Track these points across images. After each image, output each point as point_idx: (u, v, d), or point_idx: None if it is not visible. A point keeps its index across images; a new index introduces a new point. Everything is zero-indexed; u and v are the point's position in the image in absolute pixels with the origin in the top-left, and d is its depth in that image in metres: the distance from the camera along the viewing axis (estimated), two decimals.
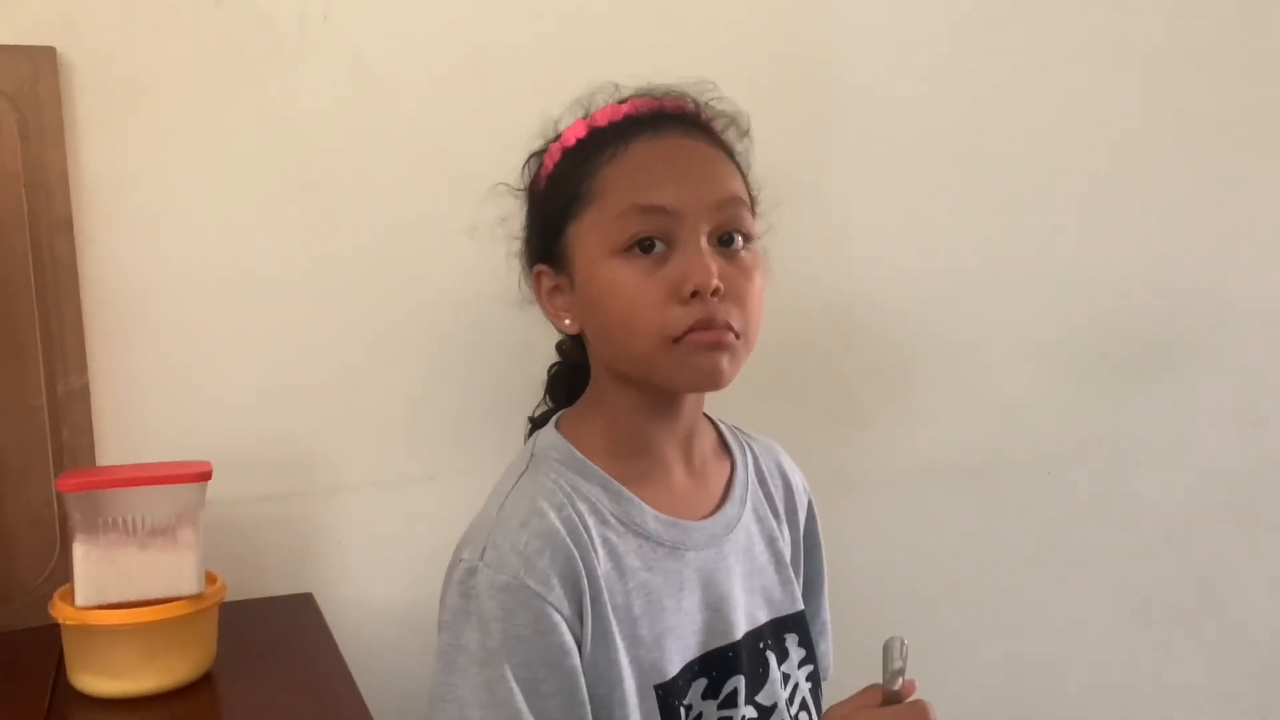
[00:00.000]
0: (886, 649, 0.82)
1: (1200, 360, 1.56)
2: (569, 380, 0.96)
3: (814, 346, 1.37)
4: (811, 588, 1.04)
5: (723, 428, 1.02)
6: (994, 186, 1.43)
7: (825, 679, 1.02)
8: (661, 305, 0.82)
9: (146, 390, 1.08)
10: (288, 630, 1.04)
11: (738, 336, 0.84)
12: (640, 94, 0.91)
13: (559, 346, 0.98)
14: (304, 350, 1.14)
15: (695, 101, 0.92)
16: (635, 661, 0.84)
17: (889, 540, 1.44)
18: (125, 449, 1.07)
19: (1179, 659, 1.60)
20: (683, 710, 0.85)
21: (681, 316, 0.82)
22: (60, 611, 0.85)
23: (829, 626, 1.05)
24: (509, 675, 0.78)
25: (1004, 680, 1.51)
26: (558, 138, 0.91)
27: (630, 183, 0.84)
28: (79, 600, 0.85)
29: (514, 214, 0.95)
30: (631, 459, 0.89)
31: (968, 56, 1.40)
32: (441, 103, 1.16)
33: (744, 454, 0.99)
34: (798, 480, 1.04)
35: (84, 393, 1.04)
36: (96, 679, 0.85)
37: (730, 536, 0.92)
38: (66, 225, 1.03)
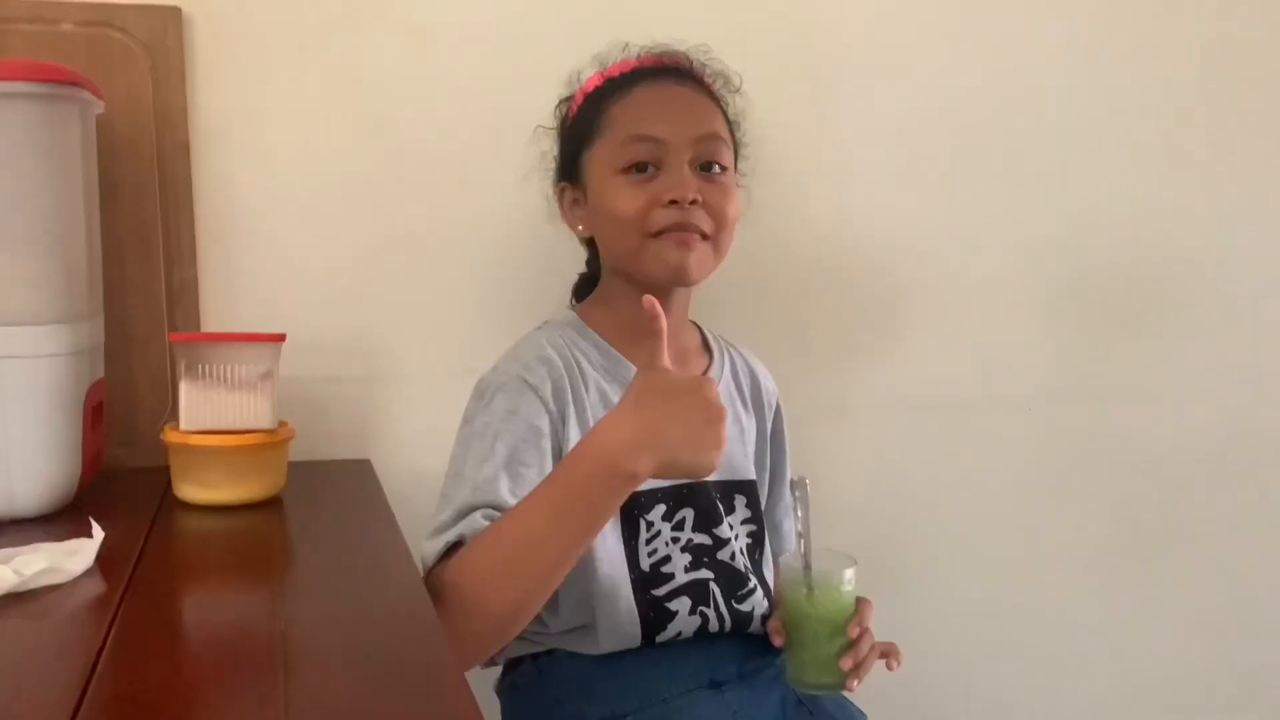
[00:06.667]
0: None
1: (1180, 314, 1.64)
2: (588, 286, 1.19)
3: (814, 287, 1.51)
4: (776, 475, 1.23)
5: (708, 334, 1.22)
6: (988, 144, 1.54)
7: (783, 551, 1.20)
8: (645, 209, 1.04)
9: (243, 284, 1.31)
10: (346, 481, 1.26)
11: (706, 238, 1.06)
12: (646, 51, 1.14)
13: (588, 265, 1.21)
14: (372, 260, 1.35)
15: (690, 58, 1.14)
16: None
17: (876, 464, 1.55)
18: (224, 330, 1.30)
19: (1152, 593, 1.66)
20: (643, 523, 1.05)
21: (660, 217, 1.04)
22: (169, 435, 1.09)
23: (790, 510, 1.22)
24: (498, 449, 0.99)
25: (981, 607, 1.59)
26: (581, 86, 1.15)
27: (631, 118, 1.07)
28: (183, 426, 1.08)
29: (549, 150, 1.19)
30: (624, 334, 1.10)
31: (962, 23, 1.53)
32: (486, 56, 1.36)
33: (723, 354, 1.19)
34: (769, 384, 1.23)
35: (194, 283, 1.28)
36: (194, 489, 1.08)
37: None
38: (185, 149, 1.27)
